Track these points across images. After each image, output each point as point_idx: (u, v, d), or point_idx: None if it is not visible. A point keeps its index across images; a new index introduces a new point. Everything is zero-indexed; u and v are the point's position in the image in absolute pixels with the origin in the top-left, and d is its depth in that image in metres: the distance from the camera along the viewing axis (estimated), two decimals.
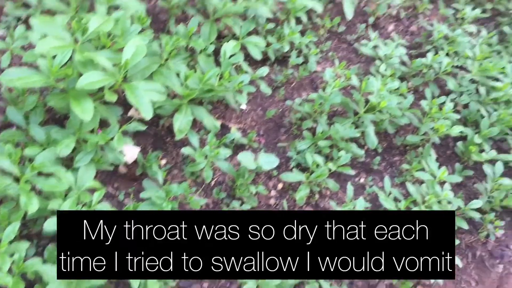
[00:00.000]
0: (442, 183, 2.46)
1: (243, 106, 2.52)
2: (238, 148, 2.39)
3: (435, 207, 2.32)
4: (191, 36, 2.33)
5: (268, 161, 2.20)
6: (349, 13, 2.92)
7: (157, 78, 2.10)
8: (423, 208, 2.29)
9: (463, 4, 3.47)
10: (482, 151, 2.71)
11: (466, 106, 2.89)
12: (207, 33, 2.41)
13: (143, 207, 1.91)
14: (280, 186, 2.37)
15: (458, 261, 2.27)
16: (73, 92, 1.84)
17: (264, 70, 2.48)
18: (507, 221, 2.60)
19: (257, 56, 2.48)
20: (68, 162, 1.97)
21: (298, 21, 2.85)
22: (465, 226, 2.38)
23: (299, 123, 2.53)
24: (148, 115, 1.85)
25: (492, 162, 2.65)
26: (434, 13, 3.44)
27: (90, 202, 1.82)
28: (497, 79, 2.93)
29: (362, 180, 2.51)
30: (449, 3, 3.51)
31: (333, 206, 2.29)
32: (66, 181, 1.81)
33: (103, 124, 2.04)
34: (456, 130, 2.54)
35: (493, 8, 3.59)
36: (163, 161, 2.30)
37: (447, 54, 3.04)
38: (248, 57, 2.54)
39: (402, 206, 2.28)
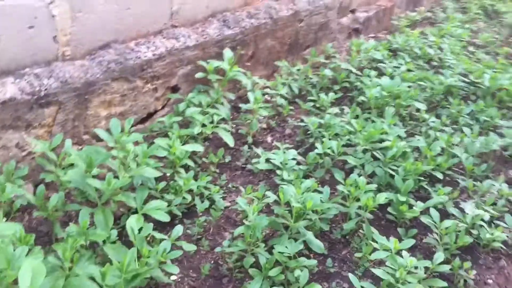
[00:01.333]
0: (399, 253, 2.35)
1: (174, 277, 2.21)
2: None
3: (410, 279, 2.18)
4: (86, 231, 2.05)
5: None
6: (230, 141, 2.91)
7: None
8: (400, 286, 2.13)
9: (316, 94, 3.72)
10: (410, 206, 2.70)
11: (372, 174, 2.92)
12: (102, 220, 2.14)
13: None
14: None
15: None
16: None
17: (178, 230, 2.24)
18: (471, 259, 2.54)
19: (164, 218, 2.26)
20: None
21: (186, 169, 2.72)
22: (444, 284, 2.26)
23: (239, 265, 2.29)
24: None
25: (424, 212, 2.66)
26: (298, 111, 3.61)
27: None
28: (382, 140, 3.07)
29: None
30: (304, 99, 3.73)
31: None
32: None
33: None
34: (382, 198, 2.52)
35: (342, 87, 3.90)
36: None
37: (330, 139, 3.13)
38: (156, 224, 2.29)
39: None
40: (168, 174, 2.62)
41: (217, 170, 2.92)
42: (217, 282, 2.26)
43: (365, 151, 3.01)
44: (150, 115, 3.10)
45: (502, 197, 2.89)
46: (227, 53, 3.29)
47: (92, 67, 2.66)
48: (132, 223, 2.10)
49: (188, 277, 2.26)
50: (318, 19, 4.35)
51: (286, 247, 2.23)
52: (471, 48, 5.18)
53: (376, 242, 2.40)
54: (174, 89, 3.19)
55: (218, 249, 2.35)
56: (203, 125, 2.88)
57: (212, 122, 2.95)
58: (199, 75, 3.16)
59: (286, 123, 3.49)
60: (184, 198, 2.49)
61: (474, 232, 2.60)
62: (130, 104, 2.91)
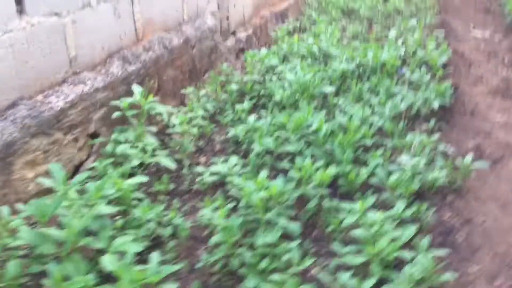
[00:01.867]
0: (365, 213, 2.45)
1: None
2: None
3: (386, 228, 2.29)
4: (62, 282, 1.86)
5: None
6: (171, 164, 2.85)
7: None
8: (382, 237, 2.23)
9: (230, 108, 3.80)
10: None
11: (312, 158, 3.03)
12: (74, 269, 1.96)
13: None
14: None
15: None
16: None
17: (157, 256, 2.11)
18: (424, 202, 2.73)
19: (137, 248, 2.12)
20: None
21: (139, 201, 2.60)
22: (414, 226, 2.40)
23: (225, 271, 2.23)
24: None
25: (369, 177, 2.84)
26: (220, 128, 3.65)
27: None
28: (309, 126, 3.21)
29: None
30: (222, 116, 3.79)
31: None
32: None
33: None
34: (332, 170, 2.66)
35: (251, 97, 4.02)
36: None
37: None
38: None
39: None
40: (122, 212, 2.48)
41: (168, 198, 2.84)
42: None
43: (298, 140, 3.12)
44: (77, 168, 2.93)
45: (425, 146, 3.17)
46: (136, 88, 3.24)
47: (6, 127, 2.46)
48: (107, 260, 1.95)
49: None
50: (207, 43, 4.49)
51: (265, 238, 2.23)
52: (344, 41, 5.66)
53: (343, 211, 2.49)
54: (95, 136, 3.06)
55: (199, 265, 2.27)
56: (139, 158, 2.79)
57: (146, 153, 2.87)
58: (116, 114, 3.07)
59: (213, 141, 3.51)
60: (147, 229, 2.38)
61: (418, 178, 2.81)
62: (55, 160, 2.73)
